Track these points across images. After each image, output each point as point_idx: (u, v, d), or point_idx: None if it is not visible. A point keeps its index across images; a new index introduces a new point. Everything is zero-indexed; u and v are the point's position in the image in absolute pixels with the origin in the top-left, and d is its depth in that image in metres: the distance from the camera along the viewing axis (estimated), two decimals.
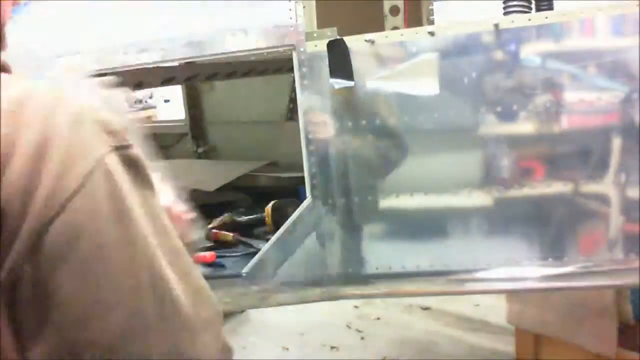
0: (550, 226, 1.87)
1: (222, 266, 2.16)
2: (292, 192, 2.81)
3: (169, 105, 7.77)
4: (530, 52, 1.81)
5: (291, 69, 3.52)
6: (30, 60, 1.88)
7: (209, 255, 2.21)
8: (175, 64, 2.28)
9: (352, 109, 1.86)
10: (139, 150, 0.78)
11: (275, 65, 3.28)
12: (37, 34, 1.94)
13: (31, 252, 0.66)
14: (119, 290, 0.69)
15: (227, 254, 2.29)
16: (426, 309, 4.63)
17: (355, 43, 1.82)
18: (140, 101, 8.19)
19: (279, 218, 2.35)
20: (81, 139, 0.71)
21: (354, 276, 1.94)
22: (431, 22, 2.86)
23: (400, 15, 2.82)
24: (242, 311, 4.80)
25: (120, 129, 0.77)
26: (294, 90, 3.92)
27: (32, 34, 1.90)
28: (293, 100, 3.93)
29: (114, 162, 0.73)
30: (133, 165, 0.76)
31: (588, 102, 1.79)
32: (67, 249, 0.67)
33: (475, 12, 1.98)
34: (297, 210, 1.93)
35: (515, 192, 1.85)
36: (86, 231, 0.68)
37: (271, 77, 3.59)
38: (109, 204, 0.70)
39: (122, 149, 0.75)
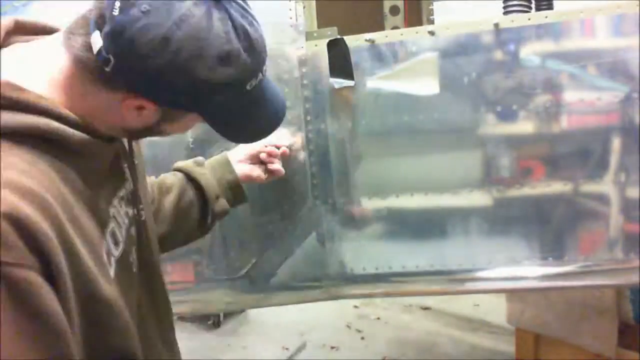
0: (550, 226, 1.87)
1: None
2: None
3: None
4: (531, 51, 1.81)
5: None
6: None
7: None
8: None
9: (352, 108, 1.86)
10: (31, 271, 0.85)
11: None
12: None
13: None
14: None
15: None
16: (426, 309, 4.63)
17: (355, 42, 1.82)
18: None
19: None
20: None
21: (353, 276, 1.94)
22: (431, 22, 2.86)
23: (400, 15, 2.83)
24: (242, 311, 4.81)
25: (20, 245, 0.84)
26: None
27: None
28: None
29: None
30: (14, 287, 0.83)
31: (588, 101, 1.79)
32: None
33: (476, 12, 1.97)
34: (300, 209, 1.92)
35: (515, 192, 1.85)
36: None
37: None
38: None
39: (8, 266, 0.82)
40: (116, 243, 1.12)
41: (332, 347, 4.21)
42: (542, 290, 2.60)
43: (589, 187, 1.82)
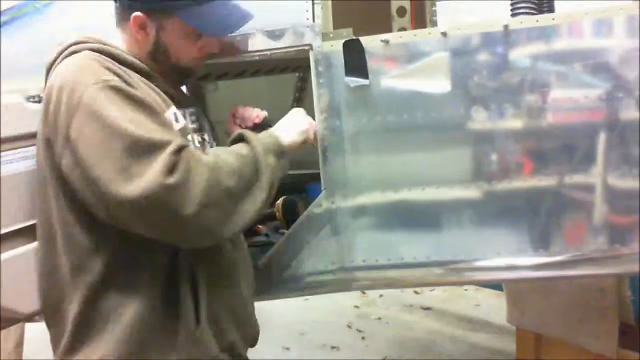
0: (554, 218, 1.92)
1: None
2: (298, 189, 2.86)
3: None
4: (539, 52, 1.85)
5: (296, 69, 3.58)
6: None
7: None
8: None
9: (366, 105, 1.90)
10: (121, 82, 1.42)
11: (283, 65, 3.31)
12: (59, 33, 1.97)
13: (66, 142, 1.39)
14: (102, 149, 1.34)
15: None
16: (427, 309, 4.66)
17: (370, 43, 1.87)
18: None
19: (289, 213, 2.41)
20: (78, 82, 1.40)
21: (367, 267, 1.98)
22: (434, 23, 2.90)
23: (407, 17, 2.86)
24: None
25: (108, 76, 1.43)
26: (298, 90, 3.97)
27: (54, 32, 1.93)
28: (297, 99, 3.97)
29: (95, 88, 1.38)
30: (114, 89, 1.39)
31: (592, 99, 1.83)
32: (79, 134, 1.37)
33: (476, 12, 2.01)
34: (313, 203, 1.97)
35: (522, 185, 1.90)
36: (85, 127, 1.36)
37: (275, 77, 3.63)
38: (93, 112, 1.36)
39: (104, 82, 1.39)
40: (177, 120, 1.58)
41: (333, 347, 4.22)
42: (544, 280, 2.62)
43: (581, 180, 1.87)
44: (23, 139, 1.66)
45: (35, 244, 1.63)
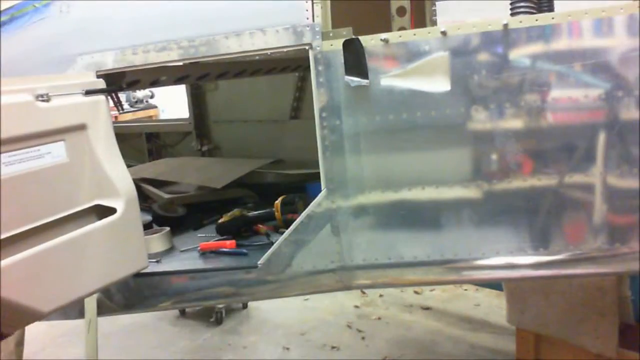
0: (554, 216, 1.92)
1: (244, 254, 2.24)
2: (297, 188, 2.87)
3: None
4: (539, 51, 1.85)
5: (296, 69, 3.59)
6: (53, 57, 1.92)
7: (229, 242, 2.28)
8: (180, 63, 2.30)
9: (366, 104, 1.90)
10: None
11: (282, 65, 3.32)
12: (60, 32, 1.97)
13: None
14: None
15: (246, 243, 2.39)
16: (427, 309, 4.65)
17: (370, 42, 1.86)
18: (141, 101, 8.23)
19: (288, 212, 2.41)
20: None
21: (367, 266, 1.98)
22: (434, 23, 2.91)
23: (407, 16, 2.86)
24: (244, 308, 4.83)
25: None
26: (298, 89, 3.98)
27: (55, 32, 1.93)
28: (297, 99, 3.98)
29: None
30: None
31: (592, 99, 1.83)
32: None
33: (476, 11, 2.01)
34: (313, 202, 1.97)
35: (522, 184, 1.90)
36: None
37: (274, 77, 3.64)
38: None
39: None
40: None
41: (333, 347, 4.22)
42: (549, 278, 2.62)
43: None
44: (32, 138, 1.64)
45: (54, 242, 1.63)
